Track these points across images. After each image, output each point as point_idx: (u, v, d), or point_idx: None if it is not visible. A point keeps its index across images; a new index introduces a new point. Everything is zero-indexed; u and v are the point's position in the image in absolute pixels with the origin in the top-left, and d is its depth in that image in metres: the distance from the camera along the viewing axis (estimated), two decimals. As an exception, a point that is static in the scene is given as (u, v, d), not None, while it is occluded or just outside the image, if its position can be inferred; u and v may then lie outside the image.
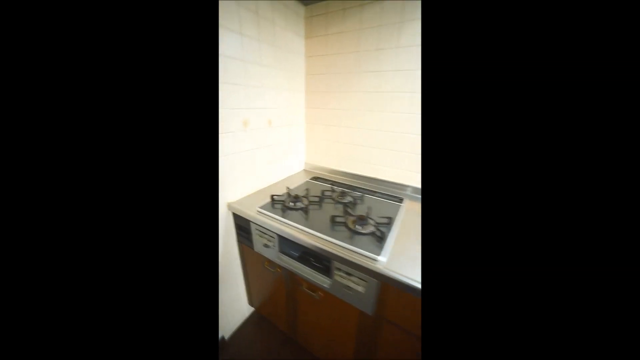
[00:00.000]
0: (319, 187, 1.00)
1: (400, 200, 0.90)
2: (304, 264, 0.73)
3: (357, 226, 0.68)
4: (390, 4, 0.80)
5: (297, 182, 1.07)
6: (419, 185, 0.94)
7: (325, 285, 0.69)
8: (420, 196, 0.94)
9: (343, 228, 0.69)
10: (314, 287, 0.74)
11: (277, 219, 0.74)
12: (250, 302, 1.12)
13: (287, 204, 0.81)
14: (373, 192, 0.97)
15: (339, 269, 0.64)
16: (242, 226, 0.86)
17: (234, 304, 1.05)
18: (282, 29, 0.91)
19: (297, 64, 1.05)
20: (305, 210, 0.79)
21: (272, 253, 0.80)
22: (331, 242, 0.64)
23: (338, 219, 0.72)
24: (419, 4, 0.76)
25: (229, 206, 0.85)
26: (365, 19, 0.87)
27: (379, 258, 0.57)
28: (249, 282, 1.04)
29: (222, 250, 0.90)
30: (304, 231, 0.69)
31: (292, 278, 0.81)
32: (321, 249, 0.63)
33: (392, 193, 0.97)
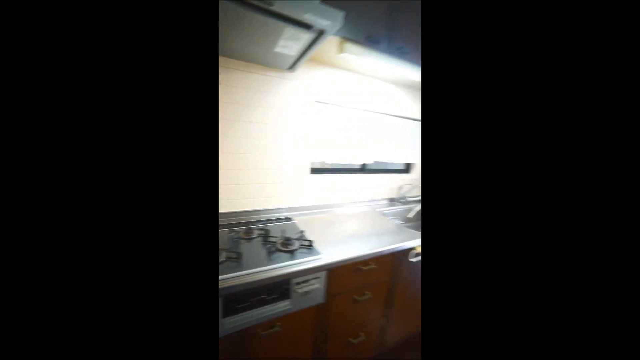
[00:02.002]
0: (224, 235, 0.96)
1: (290, 219, 1.16)
2: (258, 307, 0.75)
3: (288, 246, 0.86)
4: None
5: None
6: (289, 205, 1.25)
7: (286, 308, 0.78)
8: (296, 213, 1.26)
9: (279, 253, 0.83)
10: (272, 321, 0.78)
11: (221, 280, 0.68)
12: None
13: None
14: (268, 221, 1.12)
15: (298, 283, 0.78)
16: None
17: None
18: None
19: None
20: (236, 258, 0.78)
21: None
22: (285, 266, 0.76)
23: (271, 249, 0.83)
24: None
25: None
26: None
27: (321, 256, 0.82)
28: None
29: None
30: (258, 272, 0.72)
31: (243, 338, 0.76)
32: (280, 277, 0.73)
33: (279, 216, 1.19)
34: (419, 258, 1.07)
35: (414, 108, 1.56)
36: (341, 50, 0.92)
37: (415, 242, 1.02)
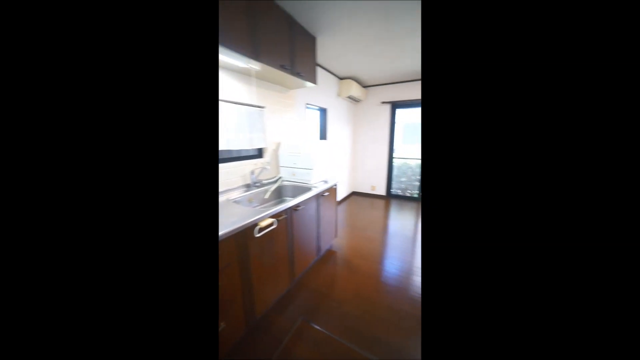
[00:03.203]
0: None
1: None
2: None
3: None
4: None
5: None
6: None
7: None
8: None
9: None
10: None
11: None
12: None
13: None
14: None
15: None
16: None
17: None
18: None
19: None
20: None
21: None
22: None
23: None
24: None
25: None
26: None
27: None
28: None
29: None
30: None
31: None
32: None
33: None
34: (266, 231, 1.20)
35: (251, 94, 1.65)
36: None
37: (259, 218, 1.14)
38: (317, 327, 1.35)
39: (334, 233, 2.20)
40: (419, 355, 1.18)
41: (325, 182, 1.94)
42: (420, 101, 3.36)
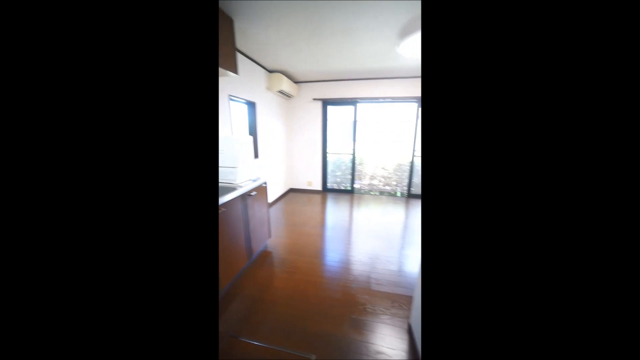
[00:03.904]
0: None
1: None
2: None
3: None
4: None
5: None
6: None
7: None
8: None
9: None
10: None
11: None
12: None
13: None
14: None
15: None
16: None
17: None
18: None
19: None
20: None
21: None
22: None
23: None
24: None
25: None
26: None
27: None
28: None
29: None
30: None
31: None
32: None
33: None
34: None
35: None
36: None
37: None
38: (247, 340, 1.24)
39: (268, 233, 2.09)
40: (348, 341, 1.22)
41: (254, 180, 1.80)
42: (351, 100, 3.55)
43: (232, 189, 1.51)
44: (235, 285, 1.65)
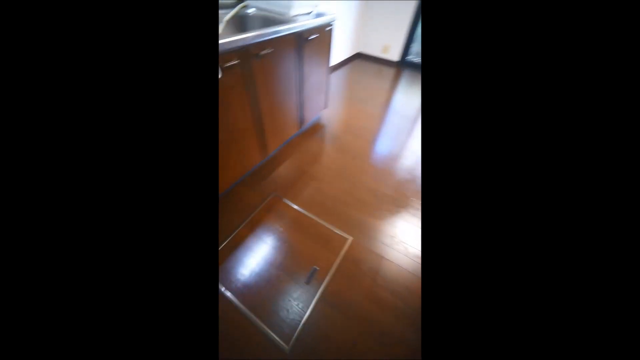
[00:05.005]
0: None
1: None
2: None
3: None
4: None
5: None
6: None
7: None
8: None
9: None
10: None
11: None
12: None
13: None
14: None
15: None
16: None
17: None
18: None
19: None
20: None
21: None
22: None
23: None
24: None
25: None
26: None
27: None
28: None
29: None
30: None
31: None
32: None
33: None
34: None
35: None
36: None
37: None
38: (289, 203, 1.25)
39: (324, 102, 1.75)
40: (390, 238, 1.13)
41: (316, 15, 1.23)
42: None
43: (284, 23, 1.04)
44: (282, 151, 1.57)
